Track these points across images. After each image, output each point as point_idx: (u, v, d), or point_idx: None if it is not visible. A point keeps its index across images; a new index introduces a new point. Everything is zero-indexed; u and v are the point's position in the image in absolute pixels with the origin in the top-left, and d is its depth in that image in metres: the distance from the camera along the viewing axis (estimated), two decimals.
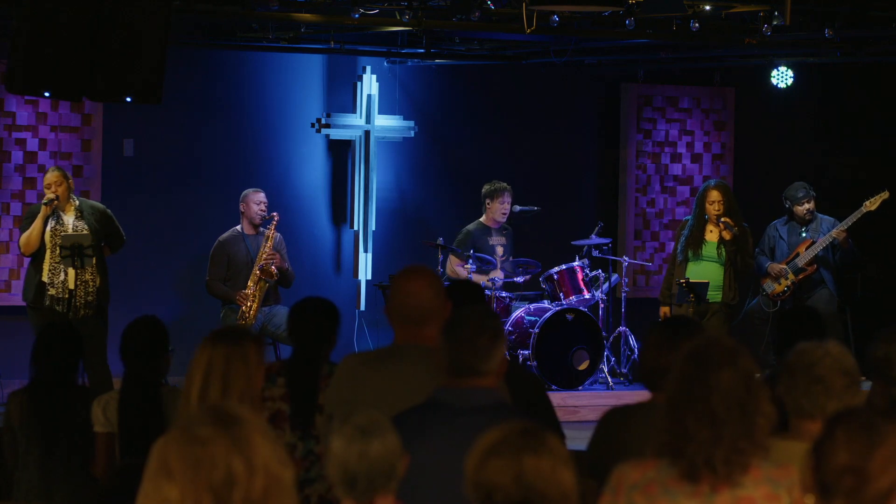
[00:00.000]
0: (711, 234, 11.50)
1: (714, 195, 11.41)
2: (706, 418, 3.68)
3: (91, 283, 10.54)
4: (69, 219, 10.61)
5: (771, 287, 12.04)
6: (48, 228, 10.58)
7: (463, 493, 3.29)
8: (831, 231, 11.88)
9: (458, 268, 12.42)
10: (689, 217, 11.78)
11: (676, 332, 4.87)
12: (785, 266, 11.99)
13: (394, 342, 5.06)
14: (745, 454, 3.68)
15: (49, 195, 10.63)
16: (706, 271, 11.41)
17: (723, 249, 11.43)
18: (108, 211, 10.85)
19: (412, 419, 4.42)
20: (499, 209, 12.56)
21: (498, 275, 12.34)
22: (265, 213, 11.86)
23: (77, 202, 10.72)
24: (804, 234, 12.07)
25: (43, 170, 12.35)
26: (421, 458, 4.25)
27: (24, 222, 10.83)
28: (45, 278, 10.59)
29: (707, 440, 3.67)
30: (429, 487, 4.33)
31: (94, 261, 10.52)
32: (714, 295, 11.38)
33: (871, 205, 11.87)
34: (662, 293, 11.81)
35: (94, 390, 7.32)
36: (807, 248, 11.97)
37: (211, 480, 2.77)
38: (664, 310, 11.62)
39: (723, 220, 11.37)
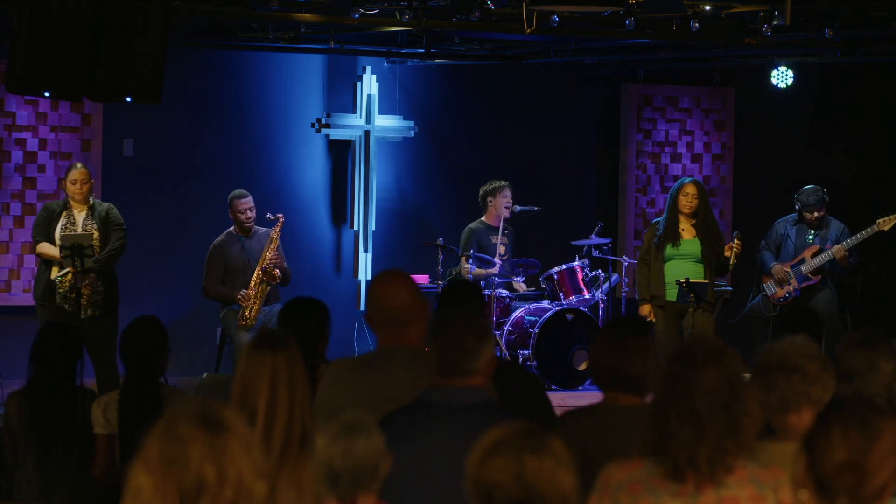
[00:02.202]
0: (685, 233, 11.20)
1: (690, 188, 11.06)
2: (689, 417, 3.67)
3: (100, 284, 10.52)
4: (80, 218, 10.60)
5: (772, 289, 12.00)
6: (58, 227, 10.58)
7: (451, 491, 3.27)
8: (834, 246, 11.76)
9: (466, 265, 12.40)
10: (658, 220, 11.46)
11: (625, 331, 4.82)
12: (789, 270, 11.94)
13: (378, 346, 5.07)
14: (730, 454, 3.68)
15: (61, 274, 10.50)
16: (686, 269, 11.16)
17: (698, 246, 11.16)
18: (112, 213, 10.71)
19: (401, 419, 4.41)
20: (503, 203, 12.57)
21: (494, 270, 12.31)
22: (251, 222, 11.72)
23: (92, 202, 10.69)
24: (812, 239, 12.01)
25: (43, 170, 12.36)
26: (410, 458, 4.25)
27: (38, 228, 10.66)
28: (53, 276, 10.58)
29: (689, 438, 3.66)
30: (418, 487, 4.32)
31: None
32: None
33: (885, 224, 11.65)
34: (641, 291, 11.23)
35: (101, 391, 7.29)
36: (812, 256, 11.90)
37: (181, 482, 2.77)
38: (646, 308, 11.02)
39: (734, 244, 11.05)
